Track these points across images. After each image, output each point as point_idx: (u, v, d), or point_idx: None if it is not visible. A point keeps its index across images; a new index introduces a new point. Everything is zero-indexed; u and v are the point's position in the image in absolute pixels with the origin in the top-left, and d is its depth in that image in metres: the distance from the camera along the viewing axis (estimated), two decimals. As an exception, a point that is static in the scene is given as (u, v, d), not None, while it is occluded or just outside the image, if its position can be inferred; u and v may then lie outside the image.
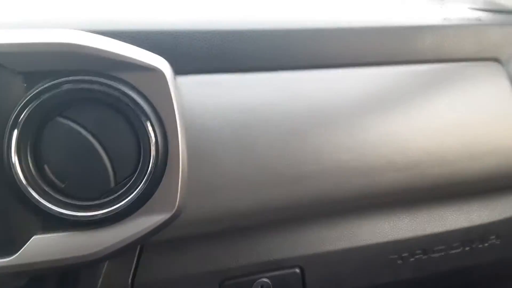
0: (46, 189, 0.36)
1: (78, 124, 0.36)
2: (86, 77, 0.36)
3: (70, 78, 0.35)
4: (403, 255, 0.56)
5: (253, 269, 0.50)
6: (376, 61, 0.53)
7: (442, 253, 0.57)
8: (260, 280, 0.51)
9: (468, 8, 0.64)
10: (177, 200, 0.38)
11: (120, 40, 0.39)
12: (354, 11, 0.60)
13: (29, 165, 0.36)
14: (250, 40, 0.48)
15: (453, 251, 0.58)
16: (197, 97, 0.45)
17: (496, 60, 0.58)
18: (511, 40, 0.59)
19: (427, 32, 0.55)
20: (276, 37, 0.49)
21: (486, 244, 0.59)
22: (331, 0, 0.69)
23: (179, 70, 0.45)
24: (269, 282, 0.51)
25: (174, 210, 0.38)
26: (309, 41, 0.50)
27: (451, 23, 0.56)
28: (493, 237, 0.60)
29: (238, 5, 0.59)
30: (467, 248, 0.58)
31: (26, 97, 0.35)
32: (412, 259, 0.56)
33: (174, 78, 0.41)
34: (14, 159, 0.35)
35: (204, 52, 0.47)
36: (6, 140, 0.35)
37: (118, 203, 0.37)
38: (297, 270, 0.52)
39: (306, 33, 0.50)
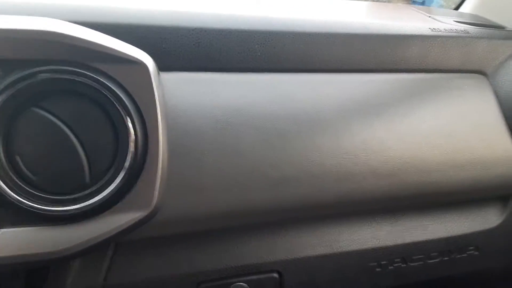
0: (17, 181, 0.35)
1: (54, 115, 0.35)
2: (64, 67, 0.35)
3: (48, 67, 0.34)
4: (382, 263, 0.56)
5: (230, 273, 0.49)
6: (362, 67, 0.53)
7: (421, 262, 0.57)
8: (237, 283, 0.50)
9: (455, 21, 0.65)
10: (155, 198, 0.37)
11: (102, 32, 0.38)
12: (344, 16, 0.60)
13: None
14: (238, 40, 0.48)
15: (432, 261, 0.58)
16: (182, 94, 0.44)
17: (481, 72, 0.58)
18: (497, 54, 0.60)
19: (414, 41, 0.55)
20: (264, 39, 0.49)
21: (465, 255, 0.59)
22: (322, 4, 0.69)
23: (164, 67, 0.44)
24: (247, 286, 0.50)
25: (151, 209, 0.37)
26: (298, 44, 0.50)
27: (438, 34, 0.57)
28: (472, 248, 0.60)
29: (227, 3, 0.59)
30: (445, 258, 0.58)
31: (0, 86, 0.34)
32: (391, 267, 0.56)
33: (158, 74, 0.40)
34: None
35: (190, 50, 0.46)
36: None
37: (93, 198, 0.36)
38: (275, 275, 0.51)
39: (294, 36, 0.50)
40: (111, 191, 0.36)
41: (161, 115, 0.38)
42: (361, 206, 0.51)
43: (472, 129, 0.54)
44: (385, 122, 0.51)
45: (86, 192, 0.36)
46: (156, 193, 0.37)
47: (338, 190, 0.48)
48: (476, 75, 0.58)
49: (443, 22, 0.62)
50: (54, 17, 0.38)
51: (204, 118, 0.44)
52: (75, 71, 0.35)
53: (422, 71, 0.55)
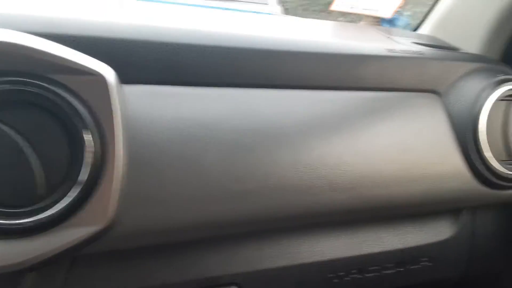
0: None
1: (10, 126, 0.35)
2: (21, 79, 0.35)
3: (4, 78, 0.34)
4: (340, 274, 0.57)
5: (190, 286, 0.49)
6: (323, 85, 0.55)
7: (377, 273, 0.59)
8: (196, 296, 0.50)
9: (412, 42, 0.68)
10: (111, 211, 0.37)
11: (66, 44, 0.39)
12: (307, 35, 0.62)
13: None
14: (203, 55, 0.49)
15: (387, 272, 0.60)
16: (145, 107, 0.45)
17: (434, 92, 0.62)
18: (449, 74, 0.63)
19: (372, 61, 0.58)
20: (228, 54, 0.50)
21: (419, 266, 0.62)
22: (285, 23, 0.71)
23: (128, 79, 0.44)
24: (206, 299, 0.51)
25: (106, 222, 0.37)
26: (261, 61, 0.52)
27: (395, 54, 0.60)
28: (425, 259, 0.62)
29: (196, 19, 0.60)
30: (400, 269, 0.61)
31: None
32: (347, 278, 0.58)
33: (120, 86, 0.41)
34: None
35: (155, 63, 0.47)
36: None
37: (47, 211, 0.36)
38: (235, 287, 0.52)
39: (258, 53, 0.52)
40: (67, 204, 0.36)
41: (120, 127, 0.38)
42: (320, 218, 0.53)
43: (425, 145, 0.57)
44: (343, 137, 0.53)
45: (41, 205, 0.36)
46: (113, 206, 0.37)
47: (298, 203, 0.50)
48: (430, 94, 0.61)
49: (400, 43, 0.65)
50: (17, 28, 0.38)
51: (167, 131, 0.45)
52: (32, 82, 0.35)
53: (379, 90, 0.58)
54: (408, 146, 0.56)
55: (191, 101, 0.47)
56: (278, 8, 2.93)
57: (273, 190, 0.48)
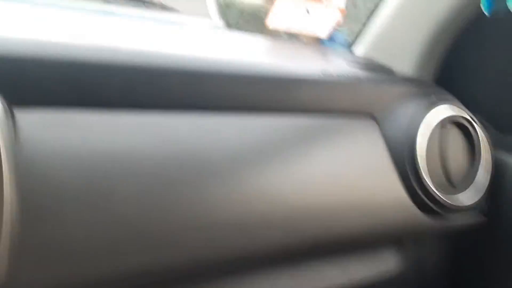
0: None
1: None
2: None
3: None
4: None
5: None
6: (253, 108, 0.51)
7: None
8: None
9: (348, 64, 0.67)
10: None
11: None
12: (238, 55, 0.58)
13: None
14: (117, 74, 0.43)
15: None
16: (44, 136, 0.38)
17: (370, 116, 0.60)
18: (384, 98, 0.62)
19: (306, 85, 0.55)
20: (145, 74, 0.44)
21: None
22: (219, 39, 0.67)
23: (22, 102, 0.38)
24: None
25: None
26: (185, 82, 0.47)
27: (329, 77, 0.57)
28: None
29: (119, 33, 0.54)
30: None
31: None
32: None
33: (8, 111, 0.34)
34: None
35: (56, 83, 0.40)
36: None
37: None
38: None
39: (182, 74, 0.47)
40: None
41: (7, 164, 0.31)
42: (256, 259, 0.49)
43: (363, 173, 0.55)
44: (277, 167, 0.49)
45: None
46: (1, 263, 0.30)
47: (229, 244, 0.45)
48: (366, 118, 0.59)
49: (336, 66, 0.63)
50: None
51: (70, 165, 0.38)
52: None
53: (314, 114, 0.55)
54: (346, 174, 0.53)
55: (100, 127, 0.41)
56: (220, 23, 2.91)
57: (200, 231, 0.43)
